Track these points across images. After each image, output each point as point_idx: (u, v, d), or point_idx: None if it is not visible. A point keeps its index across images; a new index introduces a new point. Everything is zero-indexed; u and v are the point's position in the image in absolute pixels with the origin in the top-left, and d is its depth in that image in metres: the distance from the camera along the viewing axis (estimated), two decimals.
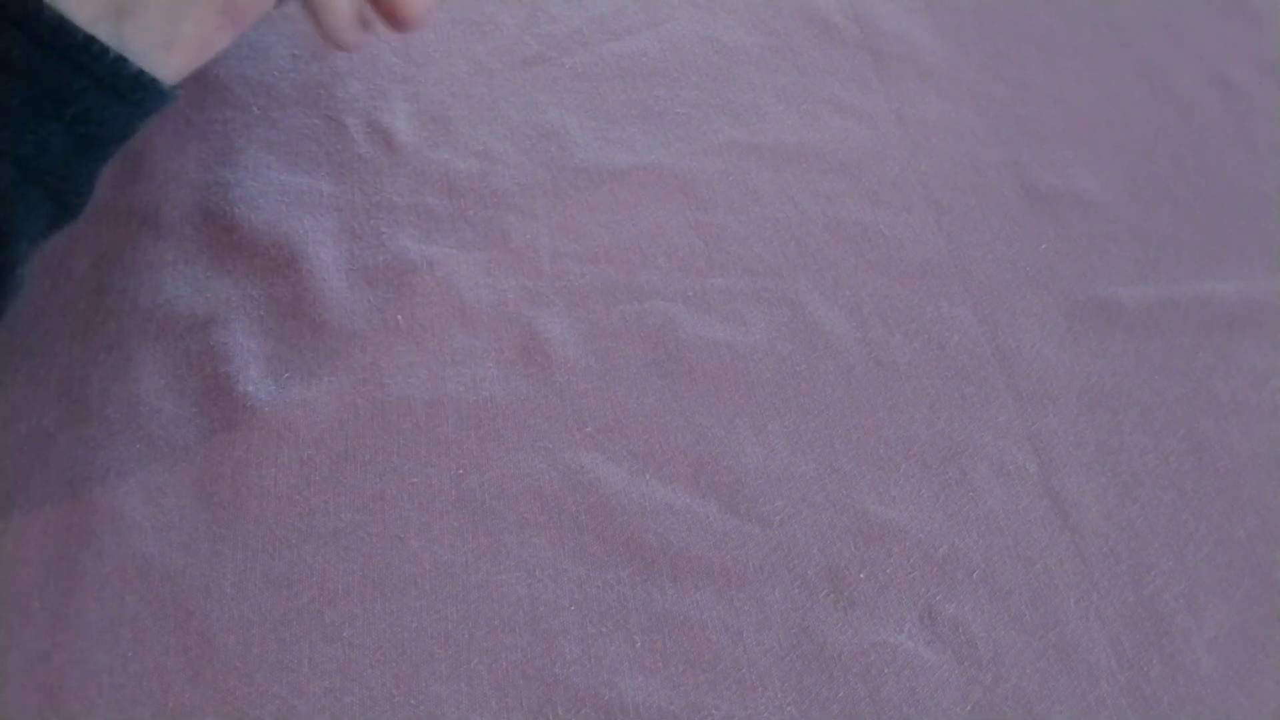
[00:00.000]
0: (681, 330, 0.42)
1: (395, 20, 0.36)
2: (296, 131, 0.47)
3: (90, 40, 0.30)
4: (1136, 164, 0.50)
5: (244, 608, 0.35)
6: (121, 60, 0.31)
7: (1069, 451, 0.40)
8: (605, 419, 0.40)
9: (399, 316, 0.42)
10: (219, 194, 0.44)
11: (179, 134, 0.46)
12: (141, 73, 0.32)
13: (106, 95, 0.31)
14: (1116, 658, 0.36)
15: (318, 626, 0.35)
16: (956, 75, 0.53)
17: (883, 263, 0.45)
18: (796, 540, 0.38)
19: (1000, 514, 0.39)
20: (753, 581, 0.37)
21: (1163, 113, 0.52)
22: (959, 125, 0.50)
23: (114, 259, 0.42)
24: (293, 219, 0.44)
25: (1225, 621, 0.37)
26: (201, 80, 0.48)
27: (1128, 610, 0.37)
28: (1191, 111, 0.52)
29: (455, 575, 0.36)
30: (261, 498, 0.37)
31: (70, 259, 0.42)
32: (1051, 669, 0.36)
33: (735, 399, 0.41)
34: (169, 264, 0.42)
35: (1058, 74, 0.53)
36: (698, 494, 0.38)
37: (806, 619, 0.36)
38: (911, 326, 0.43)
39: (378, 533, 0.37)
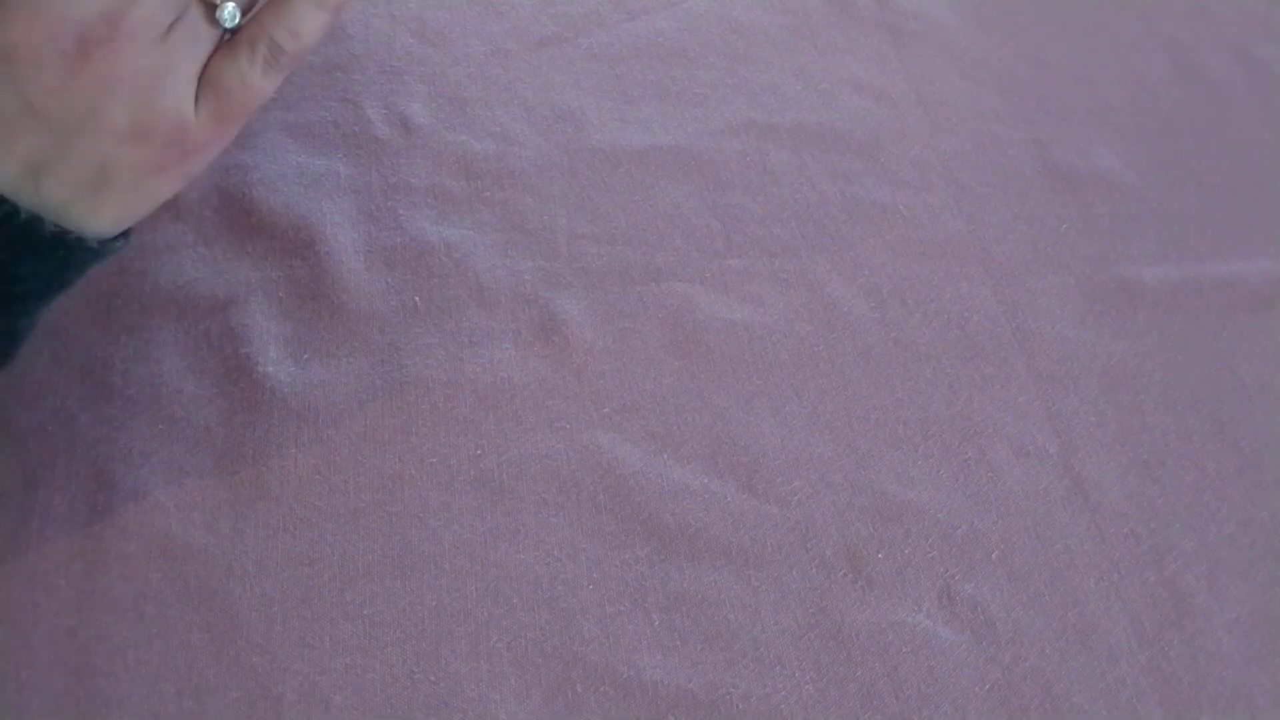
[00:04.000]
0: (699, 311, 0.42)
1: None
2: (314, 114, 0.47)
3: None
4: (1160, 143, 0.49)
5: (266, 586, 0.35)
6: (35, 221, 0.29)
7: (1090, 432, 0.40)
8: (622, 399, 0.40)
9: (416, 298, 0.42)
10: (237, 176, 0.44)
11: None
12: (62, 232, 0.29)
13: (21, 254, 0.29)
14: (1136, 638, 0.36)
15: (339, 605, 0.35)
16: (977, 53, 0.52)
17: (902, 243, 0.45)
18: (814, 520, 0.37)
19: (1020, 494, 0.39)
20: (771, 561, 0.37)
21: (1187, 91, 0.51)
22: (979, 104, 0.50)
23: (133, 241, 0.42)
24: (310, 201, 0.44)
25: (1246, 602, 0.37)
26: None
27: (1148, 590, 0.37)
28: (1216, 90, 0.51)
29: (474, 554, 0.36)
30: (282, 477, 0.37)
31: None
32: (1071, 649, 0.35)
33: (753, 379, 0.41)
34: (188, 246, 0.42)
35: (1080, 51, 0.52)
36: (715, 474, 0.38)
37: (824, 599, 0.36)
38: (931, 307, 0.43)
39: (397, 512, 0.37)
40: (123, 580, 0.35)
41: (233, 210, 0.44)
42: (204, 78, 0.30)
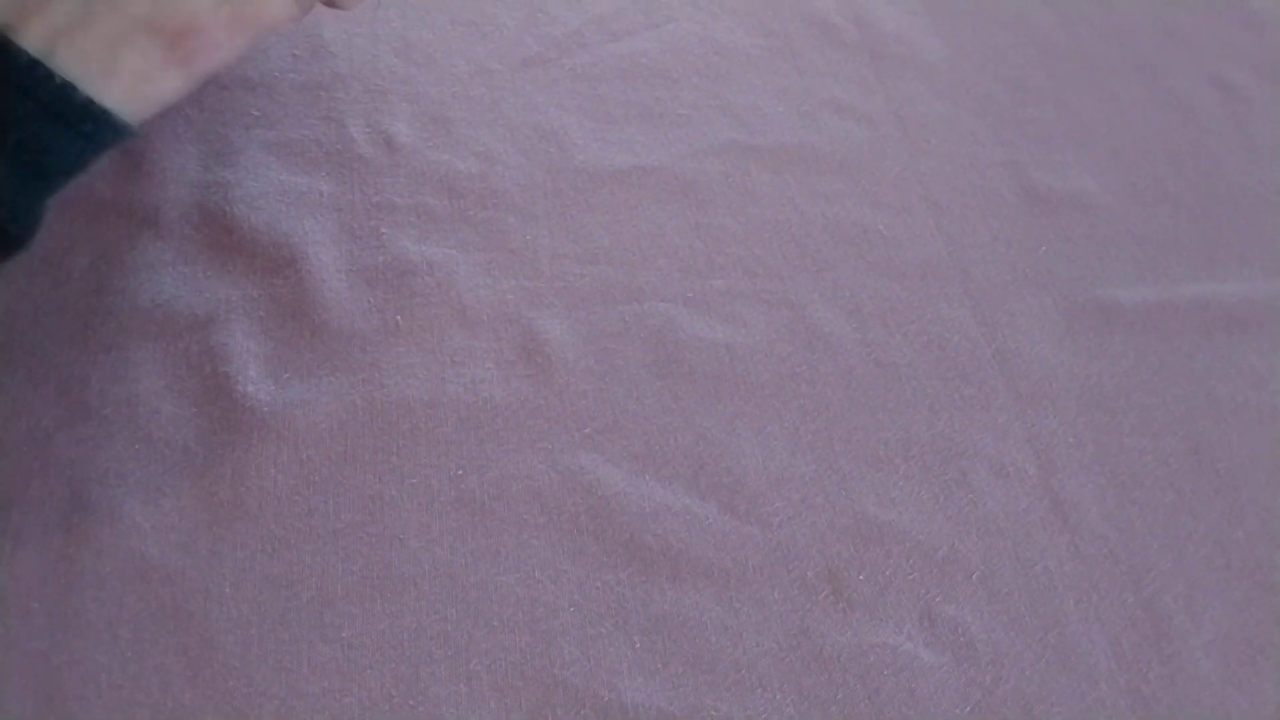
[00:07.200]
0: (681, 331, 0.42)
1: None
2: (296, 132, 0.47)
3: (35, 64, 0.29)
4: (1135, 165, 0.50)
5: (243, 608, 0.35)
6: (69, 87, 0.29)
7: (1068, 453, 0.40)
8: (604, 420, 0.40)
9: (398, 317, 0.42)
10: (219, 194, 0.44)
11: (179, 134, 0.46)
12: (91, 102, 0.30)
13: (52, 123, 0.29)
14: (1115, 659, 0.36)
15: (317, 627, 0.35)
16: (956, 76, 0.53)
17: (882, 264, 0.45)
18: (796, 541, 0.38)
19: (999, 515, 0.39)
20: (752, 582, 0.37)
21: (1162, 114, 0.52)
22: (958, 126, 0.51)
23: (113, 259, 0.42)
24: (292, 219, 0.44)
25: (1224, 623, 0.37)
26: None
27: (1127, 612, 0.37)
28: (1191, 113, 0.52)
29: (454, 576, 0.36)
30: (260, 498, 0.37)
31: (69, 258, 0.42)
32: (1051, 670, 0.36)
33: (735, 400, 0.41)
34: (168, 264, 0.42)
35: (1057, 75, 0.53)
36: (697, 495, 0.38)
37: (806, 620, 0.36)
38: (911, 328, 0.43)
39: (377, 533, 0.37)
40: (97, 603, 0.34)
41: (214, 228, 0.43)
42: None
